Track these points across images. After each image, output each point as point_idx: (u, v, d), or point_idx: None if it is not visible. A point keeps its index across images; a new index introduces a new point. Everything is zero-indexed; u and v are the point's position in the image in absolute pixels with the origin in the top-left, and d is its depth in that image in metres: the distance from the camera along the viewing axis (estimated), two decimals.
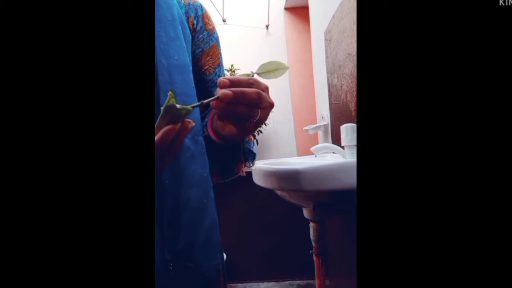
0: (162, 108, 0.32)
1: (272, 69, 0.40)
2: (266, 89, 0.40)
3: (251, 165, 0.54)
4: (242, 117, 0.39)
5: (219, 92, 0.36)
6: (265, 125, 2.29)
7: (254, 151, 0.55)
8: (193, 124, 0.34)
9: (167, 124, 0.32)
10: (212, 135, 0.47)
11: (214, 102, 0.36)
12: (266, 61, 0.40)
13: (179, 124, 0.33)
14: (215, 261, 0.50)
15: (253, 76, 0.39)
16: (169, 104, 0.32)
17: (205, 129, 0.51)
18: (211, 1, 2.23)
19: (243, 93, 0.37)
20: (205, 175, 0.51)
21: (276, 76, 0.40)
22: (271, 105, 0.40)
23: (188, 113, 0.33)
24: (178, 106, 0.32)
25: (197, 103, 0.36)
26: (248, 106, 0.38)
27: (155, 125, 0.32)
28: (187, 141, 0.48)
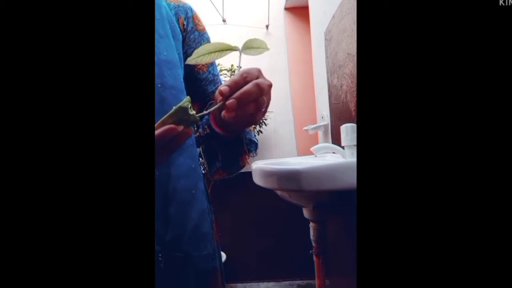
0: (174, 107, 0.33)
1: (255, 46, 0.42)
2: (259, 72, 0.40)
3: (255, 155, 0.54)
4: (253, 113, 0.39)
5: (218, 97, 0.37)
6: (265, 125, 2.29)
7: (256, 141, 0.55)
8: (192, 133, 0.35)
9: (172, 123, 0.33)
10: (218, 129, 0.47)
11: (225, 113, 0.37)
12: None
13: (182, 127, 0.33)
14: (206, 251, 0.50)
15: (239, 50, 0.41)
16: (183, 106, 0.32)
17: (205, 127, 0.52)
18: (211, 1, 2.22)
19: (245, 93, 0.37)
20: (193, 166, 0.51)
21: (257, 53, 0.42)
22: (270, 86, 0.40)
23: (194, 122, 0.34)
24: (190, 112, 0.33)
25: (204, 113, 0.36)
26: (254, 102, 0.38)
27: (161, 120, 0.33)
28: None
